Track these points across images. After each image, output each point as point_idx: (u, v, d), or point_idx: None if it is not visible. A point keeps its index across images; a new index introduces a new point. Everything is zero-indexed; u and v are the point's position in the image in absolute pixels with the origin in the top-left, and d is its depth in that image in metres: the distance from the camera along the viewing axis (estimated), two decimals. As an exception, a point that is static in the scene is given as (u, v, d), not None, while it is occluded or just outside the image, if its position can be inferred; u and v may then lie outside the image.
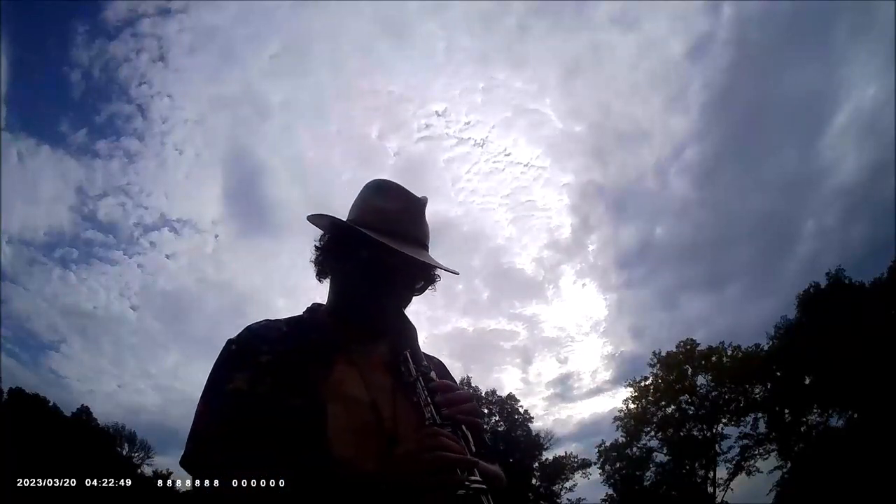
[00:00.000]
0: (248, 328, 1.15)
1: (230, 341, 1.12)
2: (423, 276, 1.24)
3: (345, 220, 1.21)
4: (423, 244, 1.19)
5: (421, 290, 1.26)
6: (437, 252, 1.28)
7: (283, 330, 1.16)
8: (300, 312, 1.25)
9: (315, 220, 1.23)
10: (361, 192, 1.25)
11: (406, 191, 1.21)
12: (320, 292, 1.28)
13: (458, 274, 1.25)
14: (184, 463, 1.02)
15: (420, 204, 1.20)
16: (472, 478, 0.89)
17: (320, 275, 1.25)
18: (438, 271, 1.25)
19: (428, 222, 1.24)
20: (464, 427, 0.97)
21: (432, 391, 1.02)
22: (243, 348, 1.10)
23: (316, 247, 1.24)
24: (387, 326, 1.18)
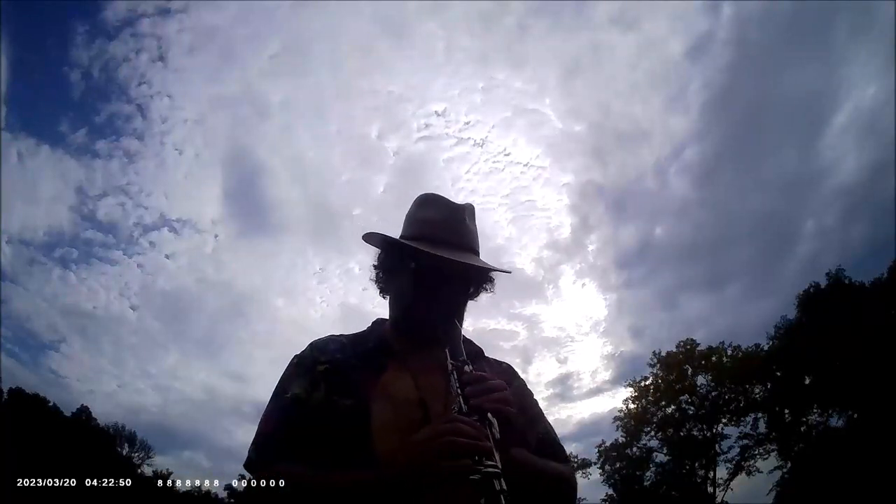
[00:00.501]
0: (311, 343, 1.26)
1: (294, 356, 1.24)
2: (472, 279, 1.26)
3: (397, 237, 1.27)
4: (469, 248, 1.22)
5: (474, 294, 1.30)
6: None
7: (342, 342, 1.26)
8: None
9: (368, 238, 1.28)
10: (409, 208, 1.30)
11: (447, 200, 1.25)
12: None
13: (510, 273, 1.29)
14: (246, 466, 1.13)
15: (462, 210, 1.24)
16: (487, 462, 0.88)
17: (383, 292, 1.31)
18: (493, 273, 1.28)
19: (476, 226, 1.27)
20: (490, 415, 0.96)
21: (464, 383, 1.03)
22: (303, 361, 1.22)
23: (374, 266, 1.31)
24: (436, 331, 1.19)
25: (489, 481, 0.86)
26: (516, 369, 1.36)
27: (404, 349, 1.21)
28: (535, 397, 1.33)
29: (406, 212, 1.30)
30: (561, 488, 1.16)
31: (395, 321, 1.28)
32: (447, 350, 1.13)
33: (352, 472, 1.01)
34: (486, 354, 1.34)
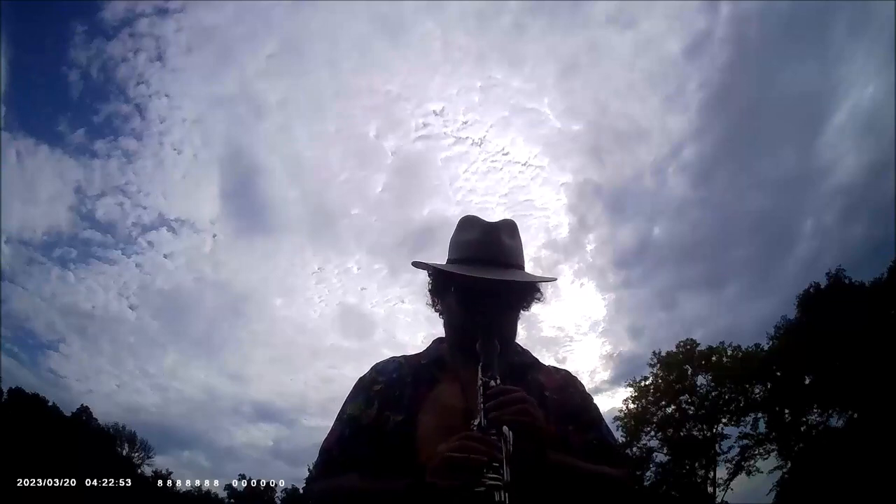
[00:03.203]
0: (373, 366, 1.34)
1: (359, 378, 1.33)
2: (511, 293, 1.27)
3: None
4: (506, 264, 1.25)
5: (522, 306, 1.32)
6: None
7: (400, 362, 1.34)
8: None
9: (417, 266, 1.34)
10: (453, 232, 1.35)
11: (482, 220, 1.31)
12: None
13: (555, 280, 1.32)
14: (308, 481, 1.23)
15: (497, 228, 1.28)
16: (491, 475, 0.90)
17: (439, 313, 1.37)
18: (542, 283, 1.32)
19: (518, 241, 1.31)
20: (505, 428, 0.98)
21: (488, 397, 1.04)
22: (363, 382, 1.31)
23: (428, 290, 1.38)
24: (482, 347, 1.19)
25: (490, 494, 0.88)
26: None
27: (457, 364, 1.25)
28: (597, 405, 1.35)
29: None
30: (604, 489, 1.16)
31: (448, 339, 1.35)
32: (480, 366, 1.14)
33: (385, 482, 1.07)
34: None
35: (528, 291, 1.32)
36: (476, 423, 1.02)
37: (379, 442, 1.16)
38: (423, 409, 1.19)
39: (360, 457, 1.17)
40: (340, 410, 1.29)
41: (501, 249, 1.26)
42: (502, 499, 0.88)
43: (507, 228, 1.30)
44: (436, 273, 1.33)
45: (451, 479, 0.93)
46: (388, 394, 1.24)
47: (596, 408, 1.34)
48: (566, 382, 1.33)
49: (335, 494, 1.17)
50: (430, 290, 1.37)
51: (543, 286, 1.34)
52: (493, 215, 1.35)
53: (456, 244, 1.31)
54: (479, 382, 1.10)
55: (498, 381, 1.09)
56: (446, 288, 1.31)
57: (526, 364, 1.33)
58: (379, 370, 1.32)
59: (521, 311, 1.34)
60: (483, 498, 0.88)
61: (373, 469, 1.12)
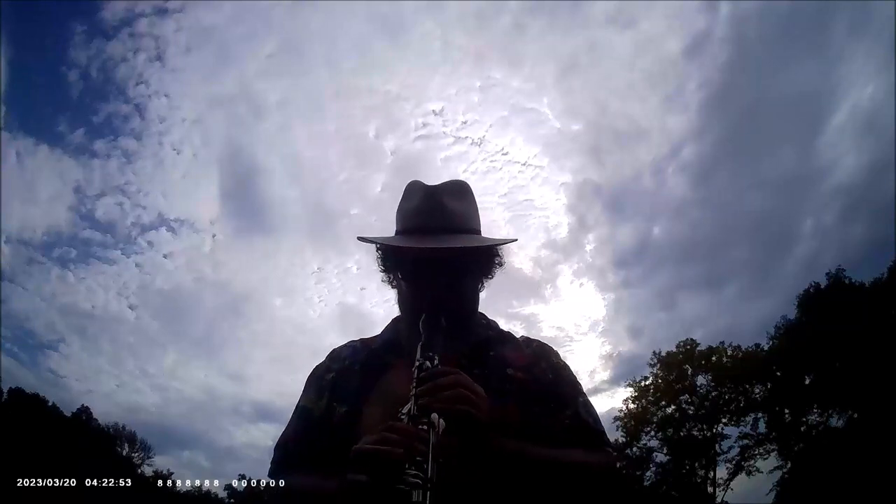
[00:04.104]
0: (330, 352, 1.28)
1: (314, 367, 1.26)
2: (462, 260, 1.14)
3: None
4: (451, 229, 1.13)
5: (480, 273, 1.20)
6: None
7: (356, 346, 1.27)
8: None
9: (363, 240, 1.21)
10: None
11: (422, 185, 1.18)
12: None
13: (513, 241, 1.18)
14: (269, 475, 1.20)
15: (439, 192, 1.16)
16: (413, 471, 0.83)
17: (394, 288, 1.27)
18: (501, 247, 1.19)
19: (468, 202, 1.19)
20: (435, 417, 0.90)
21: (420, 381, 0.95)
22: (317, 371, 1.25)
23: (379, 266, 1.26)
24: (425, 324, 1.10)
25: (408, 493, 0.82)
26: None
27: (412, 345, 1.10)
28: (575, 377, 1.22)
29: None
30: (572, 477, 1.06)
31: (402, 318, 1.24)
32: (419, 345, 1.04)
33: (328, 479, 1.00)
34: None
35: (480, 257, 1.18)
36: (405, 410, 0.93)
37: (330, 435, 1.09)
38: (369, 399, 1.10)
39: (316, 451, 1.11)
40: (297, 402, 1.22)
41: (445, 215, 1.13)
42: (420, 499, 0.80)
43: (452, 190, 1.17)
44: (381, 248, 1.20)
45: (368, 475, 0.86)
46: (337, 383, 1.18)
47: (572, 382, 1.20)
48: (537, 356, 1.20)
49: (285, 493, 1.14)
50: (379, 266, 1.24)
51: (505, 248, 1.20)
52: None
53: (399, 214, 1.19)
54: (415, 364, 1.00)
55: (437, 363, 0.99)
56: (391, 263, 1.20)
57: (491, 338, 1.21)
58: (333, 357, 1.25)
59: (483, 280, 1.22)
60: (402, 497, 0.81)
61: (326, 465, 1.04)
